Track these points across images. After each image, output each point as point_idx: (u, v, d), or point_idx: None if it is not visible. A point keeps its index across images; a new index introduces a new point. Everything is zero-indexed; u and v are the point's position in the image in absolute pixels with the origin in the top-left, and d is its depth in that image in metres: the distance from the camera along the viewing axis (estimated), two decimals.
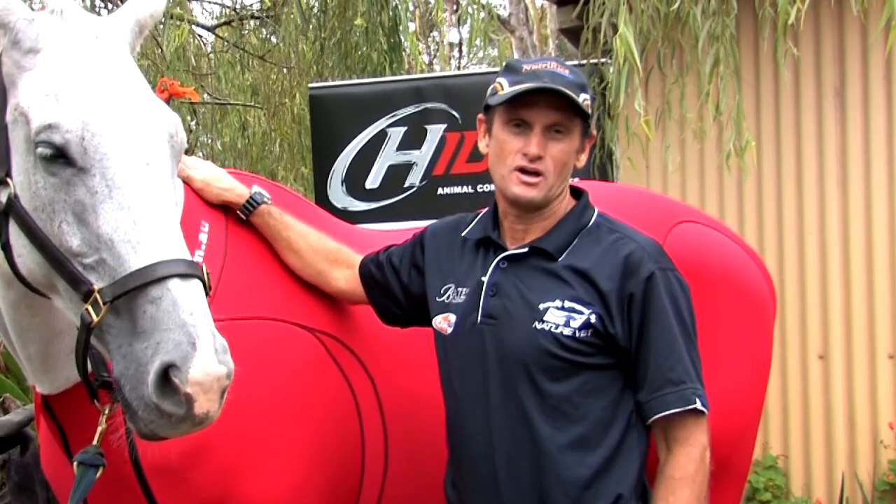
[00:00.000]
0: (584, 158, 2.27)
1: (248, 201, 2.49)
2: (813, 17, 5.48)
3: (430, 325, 2.44)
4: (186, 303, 1.65)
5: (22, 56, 1.84)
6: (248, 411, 2.26)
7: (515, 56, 11.48)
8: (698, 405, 2.09)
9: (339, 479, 2.47)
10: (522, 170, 2.15)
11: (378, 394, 2.58)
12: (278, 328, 2.41)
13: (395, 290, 2.46)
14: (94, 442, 1.96)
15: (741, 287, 2.81)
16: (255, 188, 2.53)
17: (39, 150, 1.74)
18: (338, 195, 5.88)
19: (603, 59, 5.38)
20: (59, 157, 1.74)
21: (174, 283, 1.66)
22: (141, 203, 1.72)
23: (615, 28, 4.87)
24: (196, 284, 1.70)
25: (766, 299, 2.91)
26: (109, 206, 1.72)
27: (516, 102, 2.15)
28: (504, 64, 2.27)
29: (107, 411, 1.96)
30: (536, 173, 2.15)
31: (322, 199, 5.85)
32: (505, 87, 2.18)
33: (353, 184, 5.86)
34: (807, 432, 5.68)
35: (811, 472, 5.66)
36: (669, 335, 2.11)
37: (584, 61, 5.57)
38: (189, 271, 1.69)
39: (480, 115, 2.32)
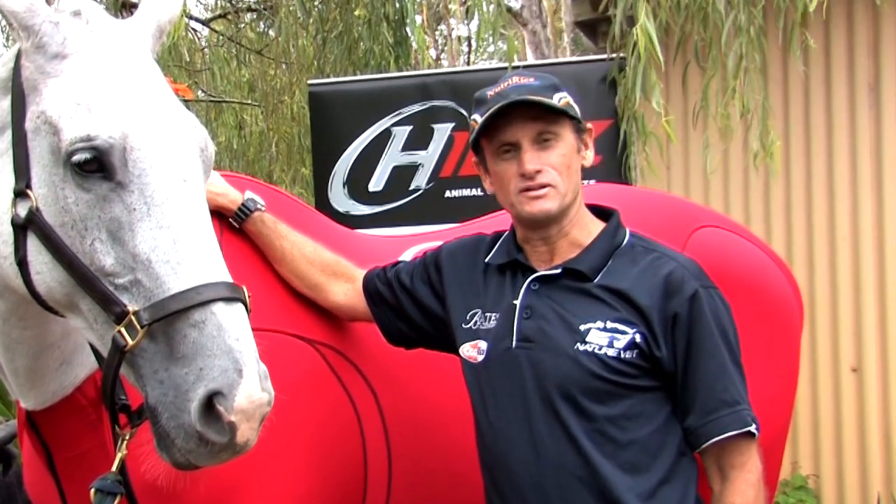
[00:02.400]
0: (590, 155, 2.31)
1: (240, 208, 2.52)
2: (845, 8, 5.48)
3: (438, 348, 2.48)
4: (232, 328, 1.67)
5: (47, 61, 1.84)
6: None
7: (528, 51, 11.51)
8: (752, 428, 2.14)
9: (341, 496, 2.50)
10: (527, 189, 2.20)
11: (381, 407, 2.60)
12: (275, 340, 2.40)
13: (410, 311, 2.49)
14: (113, 468, 1.96)
15: (765, 294, 2.84)
16: (249, 194, 2.55)
17: (75, 158, 1.74)
18: (339, 198, 5.89)
19: (623, 55, 5.38)
20: (96, 172, 1.75)
21: (218, 307, 1.68)
22: (180, 222, 1.74)
23: (632, 20, 4.88)
24: (240, 309, 1.72)
25: (792, 307, 2.94)
26: (148, 224, 1.73)
27: (494, 129, 2.21)
28: (473, 101, 2.32)
29: (127, 437, 1.96)
30: (542, 186, 2.19)
31: (322, 203, 5.86)
32: (478, 121, 2.24)
33: (356, 186, 5.86)
34: (839, 450, 5.67)
35: (844, 493, 5.66)
36: (719, 356, 2.15)
37: (605, 56, 5.58)
38: (233, 295, 1.71)
39: (474, 159, 2.38)
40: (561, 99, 2.22)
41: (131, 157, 1.75)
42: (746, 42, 4.82)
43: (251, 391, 1.63)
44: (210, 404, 1.63)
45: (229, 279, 1.75)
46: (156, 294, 1.70)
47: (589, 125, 2.32)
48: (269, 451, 2.30)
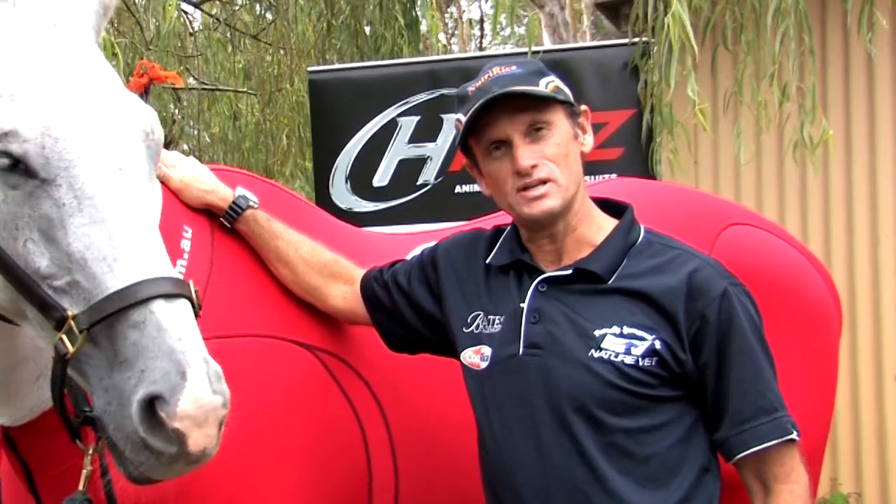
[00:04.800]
0: (589, 140, 2.28)
1: (231, 206, 2.52)
2: None
3: (441, 353, 2.47)
4: (173, 326, 1.65)
5: None
6: (238, 440, 2.27)
7: (545, 35, 11.49)
8: (794, 435, 2.11)
9: None
10: (525, 188, 2.17)
11: (386, 418, 2.60)
12: (272, 346, 2.43)
13: (408, 316, 2.48)
14: (80, 487, 1.96)
15: (801, 297, 2.83)
16: (240, 190, 2.55)
17: None
18: (341, 194, 5.89)
19: (647, 39, 5.37)
20: (19, 167, 1.72)
21: (158, 305, 1.66)
22: (116, 215, 1.72)
23: (665, 3, 4.86)
24: (183, 305, 1.70)
25: (830, 311, 2.93)
26: (80, 219, 1.71)
27: (481, 127, 2.20)
28: (455, 97, 2.31)
29: (90, 451, 1.96)
30: (541, 182, 2.16)
31: (323, 199, 5.86)
32: (463, 121, 2.23)
33: (359, 181, 5.86)
34: (883, 465, 5.65)
35: None
36: (754, 359, 2.13)
37: (628, 40, 5.57)
38: (175, 290, 1.69)
39: (466, 161, 2.37)
40: (549, 83, 2.19)
41: (55, 150, 1.73)
42: (794, 23, 4.77)
43: (198, 395, 1.60)
44: (152, 410, 1.61)
45: (172, 273, 1.74)
46: (94, 295, 1.68)
47: (584, 107, 2.29)
48: (265, 464, 2.33)
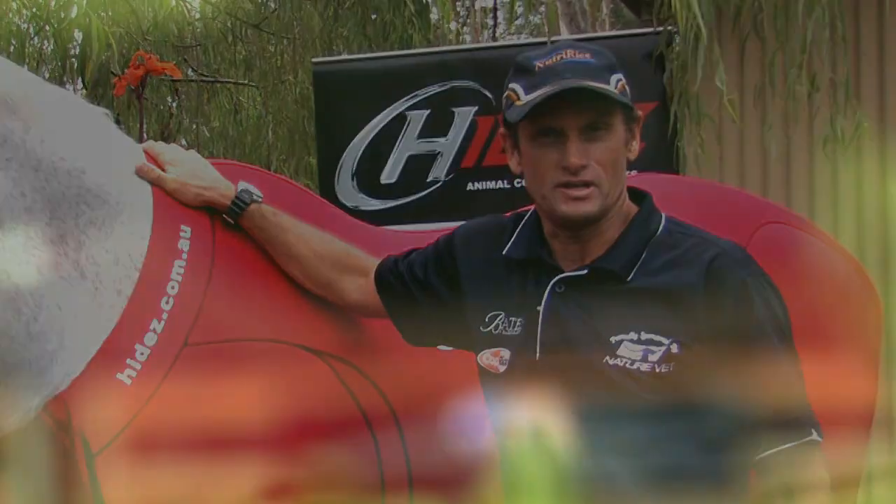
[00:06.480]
0: (636, 147, 2.24)
1: (233, 202, 2.51)
2: None
3: (460, 347, 2.44)
4: None
5: None
6: (242, 456, 2.28)
7: (561, 24, 11.48)
8: (815, 436, 2.09)
9: None
10: (567, 185, 2.13)
11: (402, 431, 2.58)
12: (278, 351, 2.43)
13: (425, 308, 2.45)
14: None
15: (842, 301, 2.81)
16: (242, 185, 2.54)
17: None
18: (347, 192, 5.90)
19: (672, 27, 5.34)
20: None
21: None
22: None
23: None
24: None
25: (872, 315, 2.90)
26: None
27: (539, 110, 2.14)
28: (513, 65, 2.24)
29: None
30: (585, 184, 2.13)
31: (328, 197, 5.81)
32: (521, 96, 2.16)
33: (366, 178, 5.87)
34: None
35: None
36: (773, 356, 2.10)
37: (652, 29, 5.54)
38: None
39: (502, 130, 2.31)
40: (618, 82, 2.15)
41: None
42: (827, 10, 4.73)
43: None
44: None
45: None
46: None
47: (639, 112, 2.25)
48: (269, 482, 2.32)
